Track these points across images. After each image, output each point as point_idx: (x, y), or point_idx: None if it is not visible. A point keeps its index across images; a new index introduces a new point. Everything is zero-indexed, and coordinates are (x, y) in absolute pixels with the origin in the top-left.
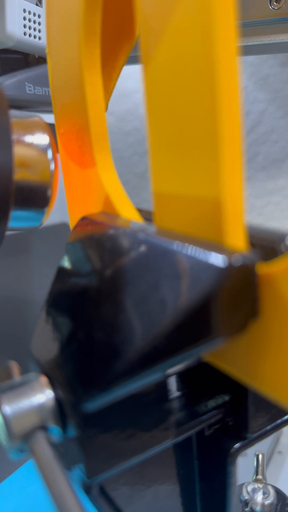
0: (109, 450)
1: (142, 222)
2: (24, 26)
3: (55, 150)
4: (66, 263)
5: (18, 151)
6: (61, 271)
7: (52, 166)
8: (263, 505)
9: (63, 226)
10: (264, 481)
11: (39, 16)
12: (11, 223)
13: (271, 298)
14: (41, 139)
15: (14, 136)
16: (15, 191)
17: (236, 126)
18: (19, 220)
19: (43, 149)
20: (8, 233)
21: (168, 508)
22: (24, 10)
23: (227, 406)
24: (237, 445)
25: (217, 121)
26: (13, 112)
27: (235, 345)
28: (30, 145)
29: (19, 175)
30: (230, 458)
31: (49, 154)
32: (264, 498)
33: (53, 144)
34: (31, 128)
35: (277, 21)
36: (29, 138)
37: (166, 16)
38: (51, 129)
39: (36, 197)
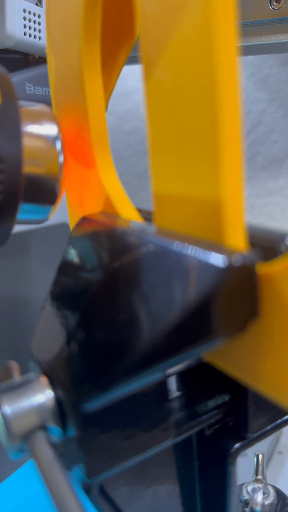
0: (109, 450)
1: (142, 222)
2: (24, 26)
3: (63, 142)
4: (66, 264)
5: (27, 143)
6: (61, 272)
7: (61, 158)
8: (263, 505)
9: (63, 226)
10: (264, 481)
11: (39, 16)
12: (19, 216)
13: (271, 298)
14: (50, 130)
15: (23, 127)
16: (24, 184)
17: (236, 126)
18: (27, 212)
19: (52, 141)
20: None
21: (168, 508)
22: (24, 10)
23: (227, 406)
24: (237, 445)
25: (217, 121)
26: (21, 102)
27: (235, 345)
28: (39, 136)
29: (27, 168)
30: (230, 458)
31: (58, 145)
32: (264, 498)
33: (60, 133)
34: (40, 118)
35: (277, 21)
36: (37, 129)
37: (166, 16)
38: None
39: (45, 190)
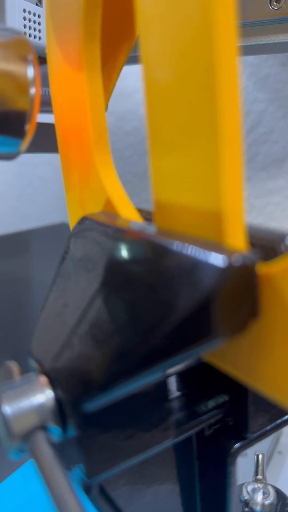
0: (109, 450)
1: (142, 222)
2: (24, 26)
3: (38, 72)
4: (65, 264)
5: None
6: (60, 272)
7: (33, 90)
8: (263, 505)
9: (63, 226)
10: (264, 481)
11: (39, 16)
12: None
13: (271, 298)
14: (23, 57)
15: None
16: None
17: (236, 126)
18: None
19: (23, 68)
20: (8, 232)
21: (168, 508)
22: (24, 10)
23: (227, 406)
24: (237, 445)
25: (217, 121)
26: None
27: (235, 345)
28: (9, 62)
29: None
30: (230, 458)
31: (30, 73)
32: (264, 498)
33: (36, 64)
34: (13, 46)
35: (277, 21)
36: (8, 55)
37: (166, 16)
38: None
39: (14, 121)
